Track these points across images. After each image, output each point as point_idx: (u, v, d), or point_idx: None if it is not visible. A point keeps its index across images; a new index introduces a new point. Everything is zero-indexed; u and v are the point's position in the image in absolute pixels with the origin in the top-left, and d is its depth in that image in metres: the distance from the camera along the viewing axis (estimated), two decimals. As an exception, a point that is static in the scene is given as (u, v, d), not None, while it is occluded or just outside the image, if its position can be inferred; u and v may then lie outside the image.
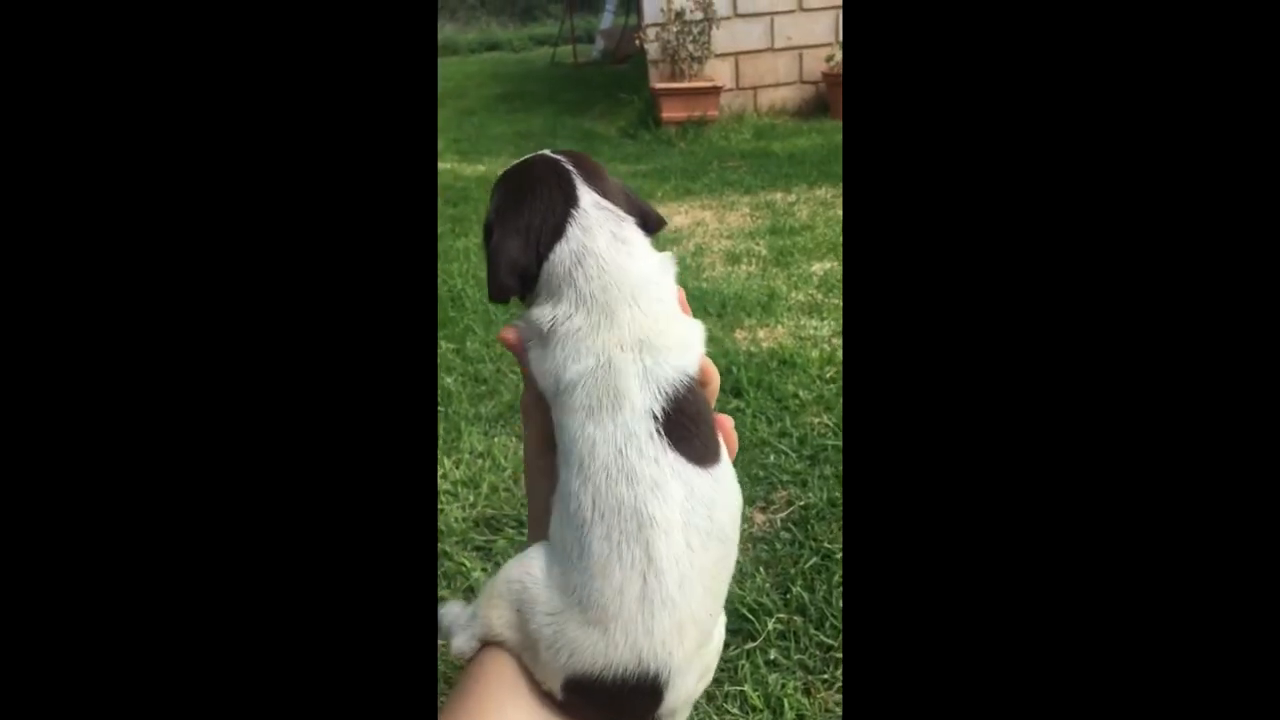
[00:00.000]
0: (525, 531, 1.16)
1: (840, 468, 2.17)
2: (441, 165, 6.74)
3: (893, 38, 0.57)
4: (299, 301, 0.54)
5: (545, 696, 0.66)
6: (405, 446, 0.56)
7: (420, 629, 0.55)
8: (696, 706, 1.56)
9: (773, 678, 1.58)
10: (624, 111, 7.89)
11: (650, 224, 0.75)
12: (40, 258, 0.50)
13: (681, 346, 0.69)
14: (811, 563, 1.85)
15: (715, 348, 2.92)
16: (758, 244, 4.13)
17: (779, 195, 5.01)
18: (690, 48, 7.25)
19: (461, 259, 4.04)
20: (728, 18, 7.35)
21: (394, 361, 0.56)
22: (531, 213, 0.69)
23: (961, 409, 0.55)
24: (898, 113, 0.57)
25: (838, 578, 1.79)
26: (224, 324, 0.52)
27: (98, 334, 0.51)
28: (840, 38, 7.18)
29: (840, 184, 5.05)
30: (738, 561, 1.90)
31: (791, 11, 7.36)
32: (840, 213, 4.52)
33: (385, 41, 0.57)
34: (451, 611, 0.72)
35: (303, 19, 0.55)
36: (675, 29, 7.19)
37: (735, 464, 2.54)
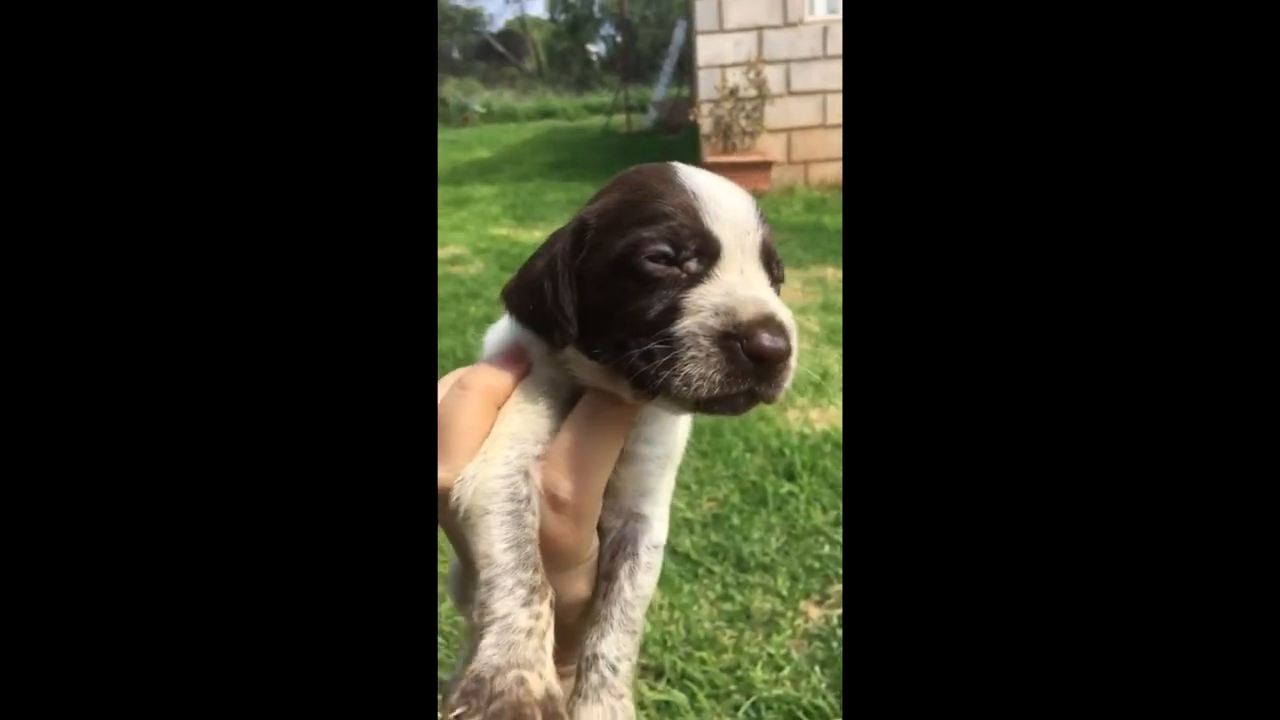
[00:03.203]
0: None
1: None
2: (497, 230, 6.93)
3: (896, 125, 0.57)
4: (305, 328, 0.55)
5: None
6: (407, 461, 0.57)
7: (419, 634, 0.56)
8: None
9: (830, 789, 1.51)
10: (676, 182, 8.05)
11: None
12: (31, 273, 0.51)
13: None
14: (869, 664, 1.78)
15: (767, 428, 2.90)
16: (809, 320, 4.13)
17: (830, 271, 5.03)
18: (743, 123, 7.42)
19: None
20: (781, 95, 7.53)
21: (393, 375, 0.57)
22: None
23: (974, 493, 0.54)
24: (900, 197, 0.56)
25: (897, 683, 1.72)
26: (237, 359, 0.53)
27: (121, 368, 0.51)
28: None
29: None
30: (791, 659, 1.86)
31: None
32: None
33: (387, 102, 0.58)
34: None
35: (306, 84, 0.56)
36: (729, 105, 7.39)
37: (789, 553, 2.46)
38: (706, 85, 7.67)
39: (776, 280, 0.69)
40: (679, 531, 2.34)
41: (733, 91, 7.37)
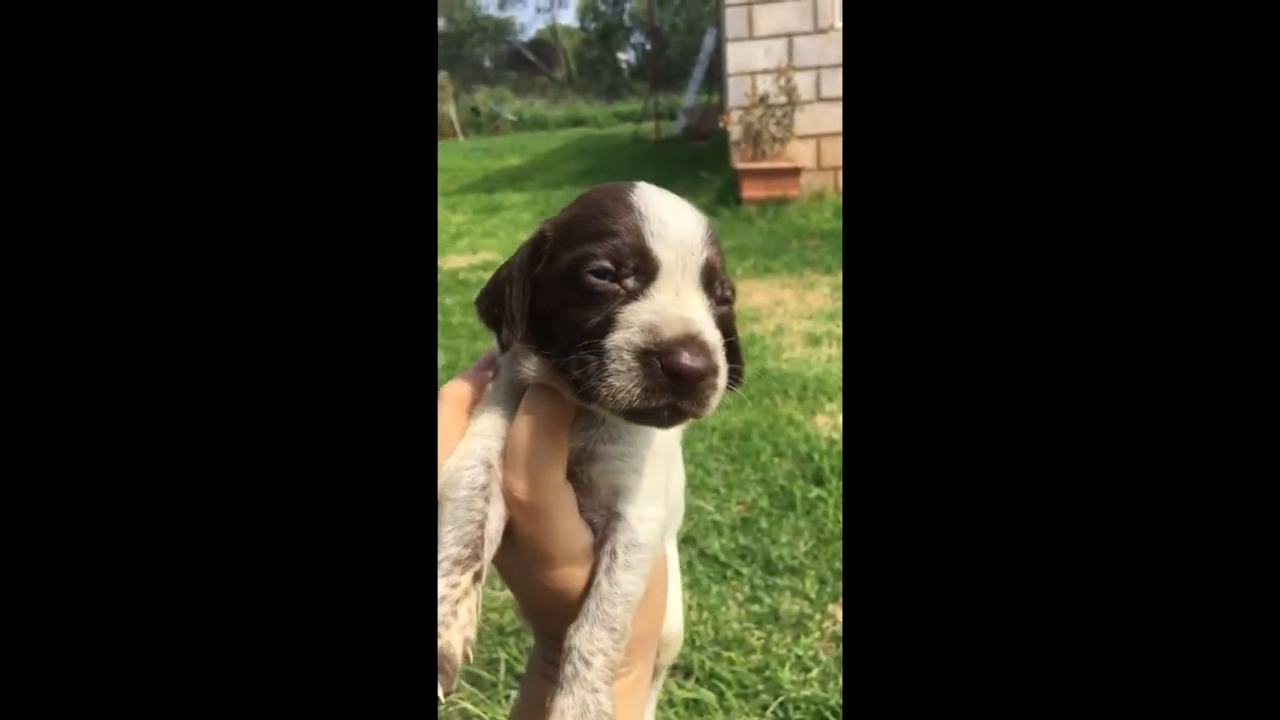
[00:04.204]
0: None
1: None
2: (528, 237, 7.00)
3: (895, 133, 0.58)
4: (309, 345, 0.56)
5: None
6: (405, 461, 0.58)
7: (419, 633, 0.58)
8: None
9: (857, 790, 1.52)
10: (705, 189, 8.09)
11: None
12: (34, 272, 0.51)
13: None
14: (897, 667, 1.79)
15: (796, 433, 2.91)
16: (838, 325, 4.12)
17: (860, 277, 5.01)
18: (773, 130, 7.42)
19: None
20: (811, 101, 7.52)
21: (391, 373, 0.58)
22: None
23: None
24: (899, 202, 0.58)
25: (925, 686, 1.73)
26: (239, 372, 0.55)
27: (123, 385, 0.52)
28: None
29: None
30: (819, 661, 1.88)
31: (874, 96, 7.47)
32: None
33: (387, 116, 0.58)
34: None
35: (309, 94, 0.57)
36: (759, 112, 7.40)
37: (817, 557, 2.45)
38: (736, 92, 7.69)
39: (722, 301, 0.73)
40: (708, 534, 2.36)
41: (763, 98, 7.37)
